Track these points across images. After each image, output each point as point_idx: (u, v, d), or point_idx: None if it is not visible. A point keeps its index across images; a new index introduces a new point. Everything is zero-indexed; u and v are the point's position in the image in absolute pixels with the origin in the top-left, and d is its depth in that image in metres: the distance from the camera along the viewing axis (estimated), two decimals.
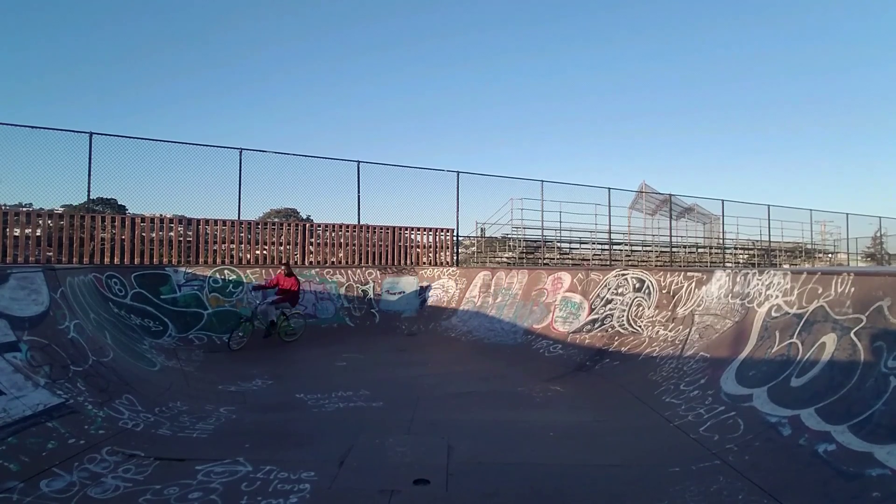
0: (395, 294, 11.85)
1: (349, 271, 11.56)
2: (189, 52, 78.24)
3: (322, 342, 9.28)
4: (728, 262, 21.94)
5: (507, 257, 18.41)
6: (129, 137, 10.74)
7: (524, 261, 17.68)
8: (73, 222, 9.74)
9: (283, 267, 9.43)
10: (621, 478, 3.47)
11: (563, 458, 3.88)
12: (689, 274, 7.10)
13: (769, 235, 21.89)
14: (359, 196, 13.06)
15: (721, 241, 21.55)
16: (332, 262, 12.08)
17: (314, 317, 10.54)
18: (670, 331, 6.57)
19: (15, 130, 9.62)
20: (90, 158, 10.09)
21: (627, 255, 19.72)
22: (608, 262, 18.37)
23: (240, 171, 11.67)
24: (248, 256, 11.40)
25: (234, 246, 11.21)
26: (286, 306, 9.26)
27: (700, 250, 21.63)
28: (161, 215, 11.09)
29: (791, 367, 4.18)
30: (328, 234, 12.27)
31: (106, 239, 9.95)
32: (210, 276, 10.00)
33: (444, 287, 12.28)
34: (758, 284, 5.56)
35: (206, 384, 6.16)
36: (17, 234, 9.30)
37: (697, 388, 4.95)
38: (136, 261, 10.11)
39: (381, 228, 12.75)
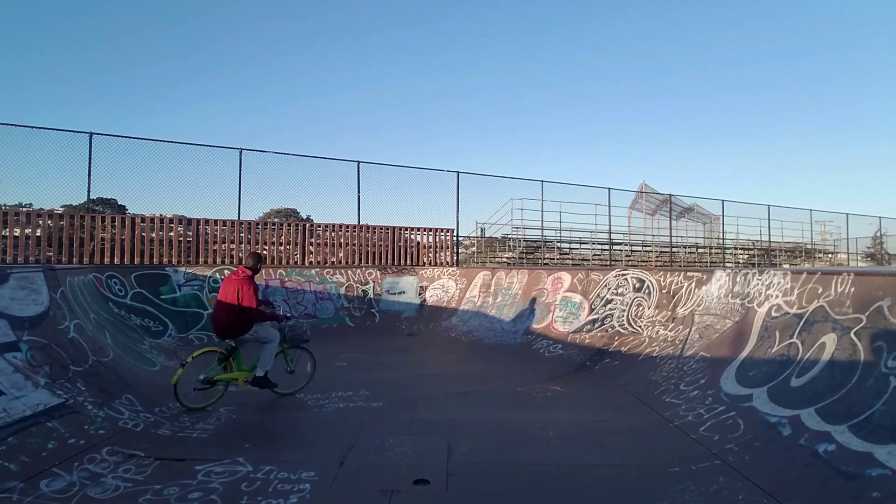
0: (395, 294, 11.86)
1: (349, 271, 11.57)
2: (189, 52, 78.26)
3: (322, 342, 9.26)
4: (728, 262, 21.93)
5: (507, 257, 18.40)
6: (129, 137, 10.74)
7: (524, 261, 17.67)
8: (73, 222, 9.73)
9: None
10: (621, 478, 3.47)
11: (563, 458, 3.88)
12: (689, 274, 7.09)
13: (769, 235, 21.89)
14: (359, 196, 13.06)
15: (721, 241, 21.54)
16: (332, 262, 12.08)
17: (314, 317, 10.55)
18: (670, 331, 6.57)
19: (15, 130, 9.61)
20: (90, 158, 10.08)
21: (627, 255, 19.72)
22: (608, 262, 18.36)
23: (240, 171, 11.67)
24: None
25: (234, 246, 11.20)
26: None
27: (700, 250, 21.63)
28: (161, 215, 11.09)
29: (791, 367, 4.18)
30: (328, 234, 12.26)
31: (106, 239, 9.95)
32: (210, 276, 10.00)
33: (444, 287, 12.28)
34: (758, 284, 5.56)
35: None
36: (17, 234, 9.30)
37: (697, 388, 4.95)
38: (136, 261, 10.11)
39: (381, 228, 12.75)
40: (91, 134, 10.14)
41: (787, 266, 21.37)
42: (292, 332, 5.83)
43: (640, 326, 7.14)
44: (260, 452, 3.83)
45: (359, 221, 12.82)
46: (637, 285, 7.79)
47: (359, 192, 13.06)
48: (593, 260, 18.76)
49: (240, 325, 5.15)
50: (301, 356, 5.98)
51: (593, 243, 18.92)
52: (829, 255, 25.17)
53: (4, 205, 10.06)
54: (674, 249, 20.47)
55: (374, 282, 11.68)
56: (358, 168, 13.12)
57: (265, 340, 5.38)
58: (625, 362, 6.55)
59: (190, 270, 9.93)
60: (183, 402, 4.96)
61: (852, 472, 2.88)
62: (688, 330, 6.27)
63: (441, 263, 13.26)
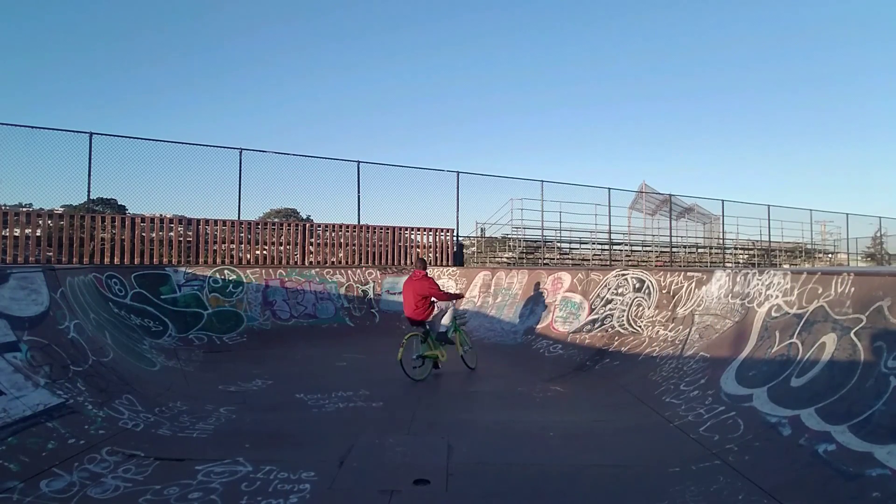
0: (395, 294, 11.84)
1: (349, 271, 11.57)
2: (189, 52, 78.24)
3: (322, 342, 9.28)
4: (728, 262, 21.94)
5: (507, 257, 18.41)
6: (129, 137, 10.77)
7: (524, 261, 17.68)
8: (73, 222, 9.74)
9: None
10: (621, 478, 3.47)
11: (563, 458, 3.88)
12: (689, 274, 7.09)
13: (769, 235, 21.91)
14: (359, 196, 13.08)
15: (721, 241, 21.55)
16: (332, 262, 12.08)
17: (314, 317, 10.55)
18: (670, 331, 6.57)
19: (15, 130, 9.63)
20: (90, 158, 10.10)
21: (627, 255, 19.72)
22: (608, 262, 18.37)
23: (240, 171, 11.69)
24: (248, 256, 11.40)
25: (234, 246, 11.21)
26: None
27: (700, 250, 21.63)
28: (161, 215, 11.10)
29: (791, 367, 4.18)
30: (328, 234, 12.27)
31: (106, 239, 9.95)
32: (210, 276, 10.00)
33: (444, 287, 12.28)
34: (758, 284, 5.56)
35: (206, 384, 6.16)
36: (17, 234, 9.30)
37: (697, 388, 4.94)
38: (136, 261, 10.11)
39: (381, 228, 12.76)
40: (91, 134, 10.15)
41: (787, 266, 21.38)
42: (461, 318, 7.12)
43: (640, 326, 7.14)
44: (260, 452, 3.83)
45: (359, 221, 12.83)
46: (637, 285, 7.79)
47: (359, 192, 13.08)
48: (593, 260, 18.77)
49: (424, 312, 6.68)
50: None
51: (593, 243, 18.93)
52: (829, 256, 25.18)
53: (4, 205, 10.07)
54: (674, 249, 20.48)
55: (374, 282, 11.68)
56: (358, 168, 13.14)
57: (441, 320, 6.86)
58: (625, 362, 6.55)
59: (190, 270, 9.92)
60: (409, 375, 6.20)
61: (852, 472, 2.88)
62: (688, 330, 6.27)
63: (441, 263, 13.26)
